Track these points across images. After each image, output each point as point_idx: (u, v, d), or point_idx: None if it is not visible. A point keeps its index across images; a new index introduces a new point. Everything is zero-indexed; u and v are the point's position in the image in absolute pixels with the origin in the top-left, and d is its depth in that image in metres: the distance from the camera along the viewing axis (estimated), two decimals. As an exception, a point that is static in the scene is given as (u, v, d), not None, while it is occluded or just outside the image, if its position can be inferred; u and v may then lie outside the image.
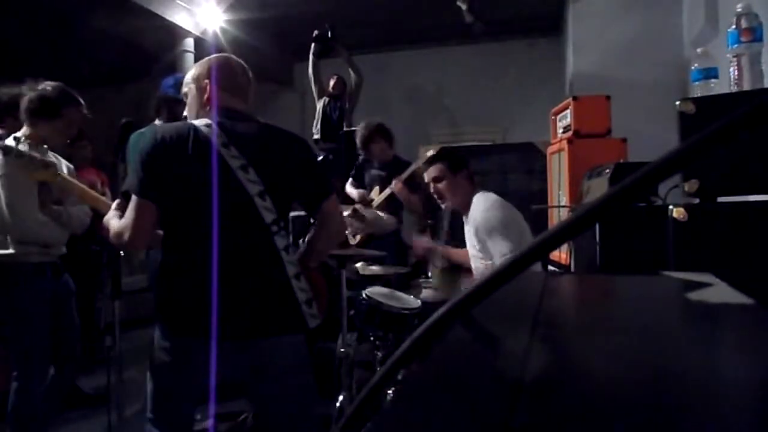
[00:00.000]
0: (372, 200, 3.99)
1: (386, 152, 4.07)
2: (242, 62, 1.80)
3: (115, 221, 1.67)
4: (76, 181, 2.34)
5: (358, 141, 4.06)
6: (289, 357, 1.60)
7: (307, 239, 1.77)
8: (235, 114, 1.67)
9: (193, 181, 1.54)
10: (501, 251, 2.39)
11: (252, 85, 1.79)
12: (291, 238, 1.73)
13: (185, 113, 1.78)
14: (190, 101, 1.75)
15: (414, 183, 3.83)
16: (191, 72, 1.77)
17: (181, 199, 1.56)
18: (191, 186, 1.54)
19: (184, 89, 1.78)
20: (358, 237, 3.84)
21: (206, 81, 1.71)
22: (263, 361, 1.57)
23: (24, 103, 2.36)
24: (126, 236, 1.57)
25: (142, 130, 2.85)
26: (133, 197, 1.56)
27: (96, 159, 4.19)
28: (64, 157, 2.64)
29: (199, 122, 1.61)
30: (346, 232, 3.61)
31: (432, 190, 2.68)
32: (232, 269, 1.52)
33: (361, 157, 4.22)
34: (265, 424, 1.65)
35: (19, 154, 2.05)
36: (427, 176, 2.70)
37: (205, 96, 1.70)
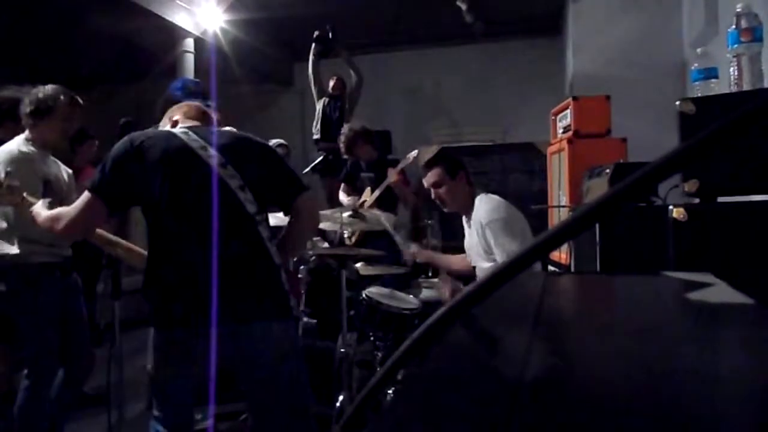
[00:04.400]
0: (364, 202, 4.01)
1: (371, 154, 4.12)
2: (202, 105, 1.98)
3: (44, 210, 1.81)
4: (38, 210, 2.21)
5: (341, 145, 4.11)
6: (280, 343, 1.63)
7: (282, 235, 1.82)
8: (203, 127, 1.81)
9: (172, 181, 1.61)
10: (511, 250, 2.38)
11: (210, 114, 1.94)
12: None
13: None
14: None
15: (404, 180, 3.88)
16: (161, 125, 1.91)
17: (160, 199, 1.62)
18: (170, 186, 1.61)
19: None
20: (354, 237, 3.86)
21: (168, 117, 1.88)
22: (255, 347, 1.60)
23: (22, 107, 2.40)
24: (62, 223, 1.67)
25: (145, 131, 2.85)
26: (86, 193, 1.64)
27: (96, 159, 4.20)
28: (66, 159, 2.66)
29: (176, 130, 1.73)
30: (345, 234, 3.63)
31: (433, 196, 2.65)
32: (219, 259, 1.56)
33: (349, 161, 4.27)
34: (259, 412, 1.68)
35: None
36: (425, 182, 2.67)
37: (169, 125, 1.85)
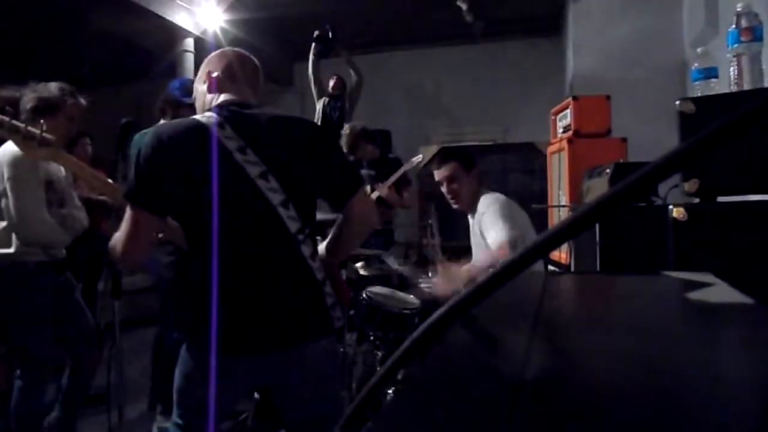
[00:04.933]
0: None
1: (373, 153, 4.14)
2: (244, 52, 1.71)
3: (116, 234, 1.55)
4: (80, 163, 2.15)
5: (343, 146, 4.12)
6: (322, 363, 1.55)
7: (332, 233, 1.68)
8: (244, 106, 1.56)
9: (208, 189, 1.40)
10: (493, 237, 2.32)
11: (260, 72, 1.71)
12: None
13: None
14: (198, 98, 1.67)
15: (405, 180, 3.87)
16: (197, 76, 1.71)
17: (194, 209, 1.44)
18: (206, 195, 1.40)
19: (194, 94, 1.71)
20: None
21: (207, 71, 1.64)
22: (298, 371, 1.52)
23: (24, 103, 2.37)
24: (119, 249, 1.47)
25: (147, 130, 2.85)
26: (129, 208, 1.45)
27: (96, 158, 4.20)
28: None
29: (208, 120, 1.47)
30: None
31: (445, 191, 2.61)
32: (260, 283, 1.46)
33: (351, 158, 4.28)
34: (297, 425, 1.60)
35: (14, 128, 1.81)
36: (438, 176, 2.62)
37: (207, 84, 1.62)
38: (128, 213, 1.46)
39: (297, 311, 1.51)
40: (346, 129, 4.18)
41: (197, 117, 1.51)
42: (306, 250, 1.50)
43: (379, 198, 3.86)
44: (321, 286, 1.52)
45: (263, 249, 1.47)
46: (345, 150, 4.15)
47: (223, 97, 1.59)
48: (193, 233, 1.50)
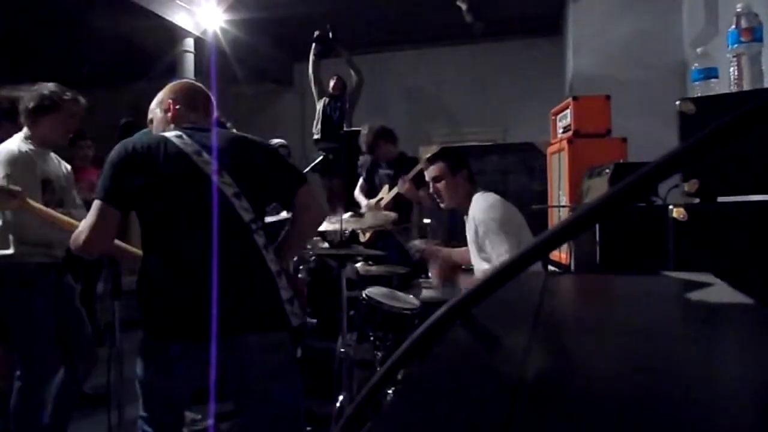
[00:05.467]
0: (381, 199, 4.07)
1: (392, 152, 4.15)
2: (199, 84, 1.93)
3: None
4: (45, 210, 2.19)
5: (363, 145, 4.14)
6: (275, 354, 1.61)
7: (284, 232, 1.79)
8: (200, 127, 1.75)
9: (167, 188, 1.59)
10: (498, 252, 2.39)
11: (211, 102, 1.89)
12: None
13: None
14: (156, 123, 1.82)
15: (422, 179, 3.93)
16: (154, 100, 1.85)
17: (156, 206, 1.61)
18: (166, 193, 1.60)
19: (150, 116, 1.85)
20: (368, 234, 3.92)
21: (169, 101, 1.80)
22: (248, 358, 1.57)
23: (22, 103, 2.37)
24: (82, 238, 1.60)
25: (144, 131, 2.85)
26: (96, 202, 1.60)
27: (96, 159, 4.21)
28: (65, 158, 2.65)
29: (170, 134, 1.67)
30: (359, 229, 3.68)
31: (431, 190, 2.68)
32: (212, 269, 1.53)
33: (369, 158, 4.30)
34: (251, 424, 1.64)
35: None
36: (427, 175, 2.70)
37: (170, 114, 1.78)
38: (95, 206, 1.60)
39: (247, 301, 1.58)
40: (364, 129, 4.19)
41: (164, 134, 1.69)
42: (259, 240, 1.63)
43: (396, 196, 3.91)
44: (274, 278, 1.61)
45: (219, 237, 1.56)
46: (364, 149, 4.17)
47: (183, 124, 1.76)
48: (154, 225, 1.64)
